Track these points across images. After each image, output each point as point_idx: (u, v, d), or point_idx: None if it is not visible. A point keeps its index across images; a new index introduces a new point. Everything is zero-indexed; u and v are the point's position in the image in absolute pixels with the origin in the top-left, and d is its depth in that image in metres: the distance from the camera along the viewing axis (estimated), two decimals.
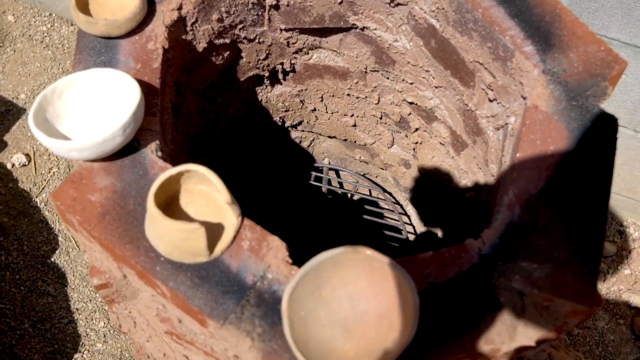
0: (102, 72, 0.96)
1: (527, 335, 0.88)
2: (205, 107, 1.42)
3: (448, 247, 0.90)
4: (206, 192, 0.91)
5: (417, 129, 1.56)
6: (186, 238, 0.82)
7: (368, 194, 1.99)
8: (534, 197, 0.92)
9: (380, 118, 1.64)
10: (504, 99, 1.14)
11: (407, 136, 1.64)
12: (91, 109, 0.97)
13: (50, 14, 2.79)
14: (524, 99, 1.04)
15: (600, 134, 0.98)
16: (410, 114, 1.54)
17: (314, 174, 1.92)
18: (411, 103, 1.48)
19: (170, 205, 0.91)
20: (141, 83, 1.02)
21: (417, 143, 1.60)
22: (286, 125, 1.75)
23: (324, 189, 1.94)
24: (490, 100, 1.19)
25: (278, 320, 0.83)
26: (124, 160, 0.94)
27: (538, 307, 0.88)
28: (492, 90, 1.17)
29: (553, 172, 0.94)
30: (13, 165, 2.36)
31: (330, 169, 1.98)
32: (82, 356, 2.00)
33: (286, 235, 1.98)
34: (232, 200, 0.86)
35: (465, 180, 1.42)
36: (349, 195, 1.99)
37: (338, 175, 2.04)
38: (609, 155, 0.95)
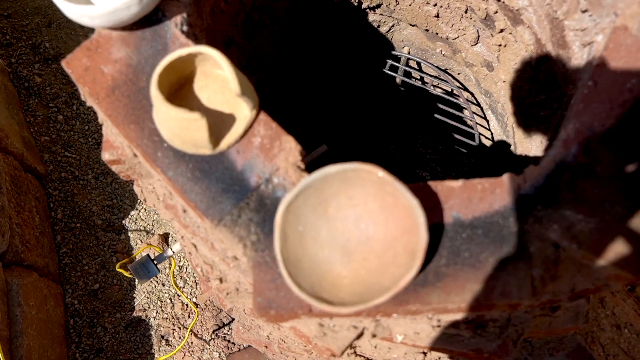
0: None
1: (559, 291, 0.77)
2: None
3: (482, 178, 0.78)
4: (223, 77, 0.82)
5: (502, 30, 1.38)
6: (186, 127, 0.74)
7: (446, 91, 1.83)
8: (597, 136, 0.77)
9: (465, 12, 1.46)
10: (596, 12, 0.96)
11: (492, 35, 1.46)
12: None
13: None
14: (616, 16, 0.86)
15: None
16: (496, 12, 1.35)
17: (389, 62, 1.77)
18: (498, 0, 1.30)
19: (182, 87, 0.83)
20: None
21: (500, 45, 1.42)
22: (363, 6, 1.59)
23: (398, 80, 1.79)
24: (582, 11, 1.00)
25: None
26: (145, 31, 0.86)
27: (576, 263, 0.76)
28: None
29: (628, 110, 0.78)
30: None
31: (409, 60, 1.82)
32: (139, 213, 2.04)
33: (346, 124, 1.88)
34: (243, 92, 0.77)
35: (543, 96, 1.25)
36: (426, 89, 1.83)
37: (419, 68, 1.88)
38: None
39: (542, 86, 1.25)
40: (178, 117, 0.73)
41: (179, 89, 0.82)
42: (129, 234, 2.01)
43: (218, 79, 0.82)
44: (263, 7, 1.34)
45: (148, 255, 1.50)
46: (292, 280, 0.70)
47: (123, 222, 2.03)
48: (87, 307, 1.91)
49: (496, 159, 1.74)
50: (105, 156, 0.91)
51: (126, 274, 1.77)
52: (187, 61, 0.79)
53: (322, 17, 1.58)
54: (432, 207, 0.77)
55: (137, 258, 1.86)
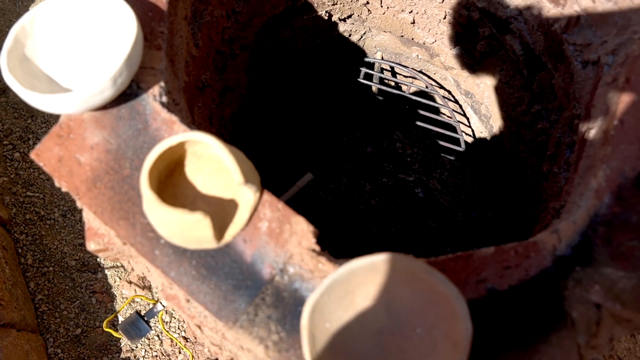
0: None
1: (597, 344, 0.73)
2: (235, 8, 1.20)
3: (514, 244, 0.72)
4: (216, 157, 0.74)
5: (486, 37, 1.31)
6: (188, 228, 0.66)
7: (422, 90, 1.77)
8: (630, 182, 0.72)
9: (444, 17, 1.39)
10: (601, 29, 0.90)
11: (473, 41, 1.39)
12: (80, 39, 0.78)
13: None
14: (634, 38, 0.81)
15: None
16: (480, 19, 1.28)
17: (363, 70, 1.69)
18: (482, 9, 1.23)
19: (173, 173, 0.74)
20: (144, 4, 0.82)
21: (483, 52, 1.35)
22: (333, 19, 1.51)
23: (374, 89, 1.72)
24: (584, 26, 0.94)
25: (298, 324, 0.69)
26: (120, 109, 0.77)
27: (616, 318, 0.71)
28: (586, 14, 0.92)
29: None
30: None
31: (383, 65, 1.75)
32: None
33: (325, 135, 1.81)
34: (247, 178, 0.69)
35: (538, 106, 1.20)
36: (403, 95, 1.75)
37: (393, 74, 1.80)
38: None
39: (536, 96, 1.19)
40: (179, 219, 0.65)
41: (169, 175, 0.74)
42: (106, 271, 1.91)
43: (211, 160, 0.74)
44: (232, 39, 1.24)
45: (137, 312, 1.41)
46: None
47: (98, 259, 1.92)
48: (71, 354, 1.81)
49: (478, 156, 1.70)
50: (91, 246, 0.82)
51: (115, 334, 1.68)
52: (175, 146, 0.70)
53: (291, 35, 1.49)
54: (464, 281, 0.70)
55: (124, 311, 1.76)
